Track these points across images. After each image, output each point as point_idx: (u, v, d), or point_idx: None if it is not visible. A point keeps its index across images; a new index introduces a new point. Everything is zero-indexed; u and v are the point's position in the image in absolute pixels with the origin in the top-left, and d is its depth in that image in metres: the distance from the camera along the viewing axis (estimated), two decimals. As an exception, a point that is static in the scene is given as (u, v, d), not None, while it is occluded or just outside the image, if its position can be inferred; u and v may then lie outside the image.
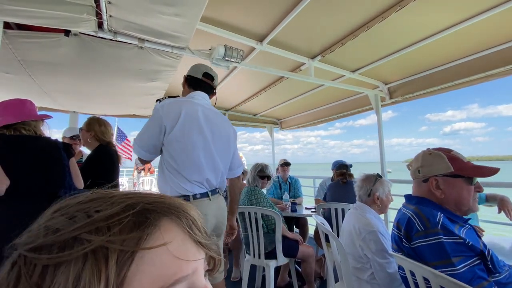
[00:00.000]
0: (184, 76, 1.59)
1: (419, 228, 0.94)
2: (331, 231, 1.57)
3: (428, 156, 1.12)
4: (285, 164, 3.68)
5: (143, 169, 8.98)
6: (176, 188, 1.33)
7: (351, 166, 3.23)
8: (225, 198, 1.58)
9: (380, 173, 3.22)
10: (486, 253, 0.89)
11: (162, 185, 1.38)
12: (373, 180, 1.65)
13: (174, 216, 0.30)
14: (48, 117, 1.55)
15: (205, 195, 1.38)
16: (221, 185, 1.50)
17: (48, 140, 1.52)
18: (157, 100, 1.45)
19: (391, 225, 2.99)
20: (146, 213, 0.28)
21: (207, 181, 1.39)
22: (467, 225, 1.01)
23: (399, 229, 1.06)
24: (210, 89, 1.62)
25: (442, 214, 0.95)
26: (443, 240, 0.88)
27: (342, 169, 2.93)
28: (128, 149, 9.44)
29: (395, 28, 2.17)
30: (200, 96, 1.53)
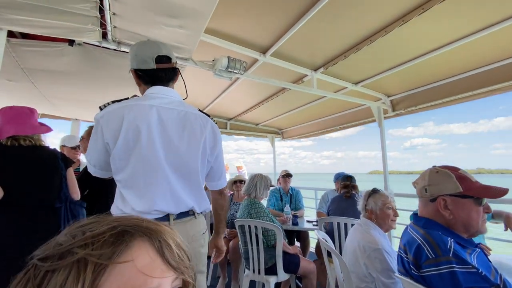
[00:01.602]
0: (131, 70, 1.17)
1: (429, 256, 0.90)
2: (334, 248, 1.52)
3: (435, 174, 1.08)
4: (287, 176, 3.64)
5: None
6: (119, 212, 1.03)
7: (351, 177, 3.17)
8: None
9: (384, 185, 3.18)
10: (499, 280, 0.85)
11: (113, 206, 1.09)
12: (367, 195, 1.64)
13: (147, 237, 0.35)
14: (49, 130, 1.54)
15: (162, 219, 1.04)
16: (195, 207, 1.13)
17: (46, 150, 1.50)
18: (100, 107, 1.09)
19: (394, 240, 2.94)
20: (124, 234, 0.34)
21: (157, 211, 1.04)
22: (477, 249, 0.96)
23: (406, 252, 1.01)
24: (173, 74, 1.19)
25: (452, 240, 0.91)
26: (456, 269, 0.83)
27: (345, 181, 2.90)
28: None
29: (398, 42, 2.18)
30: (158, 92, 1.13)
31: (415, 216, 1.11)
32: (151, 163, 1.04)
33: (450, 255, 0.86)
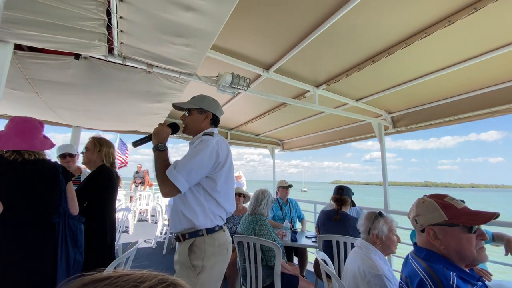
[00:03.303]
0: (209, 112, 1.60)
1: None
2: (334, 272, 1.50)
3: (422, 204, 1.08)
4: (289, 187, 3.66)
5: (142, 183, 8.88)
6: (214, 217, 1.40)
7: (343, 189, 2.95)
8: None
9: (384, 202, 3.15)
10: None
11: (197, 210, 1.36)
12: (373, 217, 1.61)
13: None
14: (53, 146, 1.54)
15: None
16: None
17: (48, 163, 1.49)
18: (206, 134, 1.50)
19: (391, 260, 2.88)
20: (176, 285, 0.37)
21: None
22: (479, 283, 0.95)
23: (408, 284, 1.00)
24: None
25: (455, 274, 0.90)
26: None
27: (336, 194, 2.67)
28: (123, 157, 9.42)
29: (401, 63, 2.20)
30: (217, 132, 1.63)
31: (415, 246, 1.10)
32: (233, 177, 1.54)
33: None
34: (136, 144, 1.56)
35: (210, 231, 1.37)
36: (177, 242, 1.44)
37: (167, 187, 1.31)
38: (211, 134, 1.50)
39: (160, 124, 1.55)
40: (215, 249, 1.36)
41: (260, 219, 2.25)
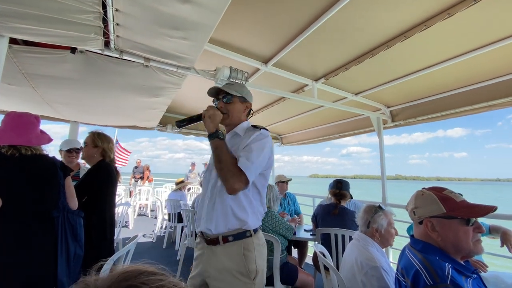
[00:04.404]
0: (248, 103, 1.49)
1: (427, 282, 0.90)
2: (332, 264, 1.52)
3: (421, 197, 1.10)
4: (289, 181, 3.69)
5: (141, 178, 8.90)
6: (260, 215, 1.32)
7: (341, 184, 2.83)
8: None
9: (382, 195, 3.17)
10: None
11: (247, 208, 1.25)
12: (373, 211, 1.61)
13: None
14: (50, 141, 1.54)
15: None
16: None
17: (46, 158, 1.49)
18: (260, 128, 1.39)
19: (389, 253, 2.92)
20: None
21: None
22: (473, 276, 0.96)
23: (404, 276, 1.01)
24: None
25: (450, 265, 0.91)
26: None
27: (334, 188, 2.67)
28: (124, 155, 9.42)
29: (400, 56, 2.19)
30: None
31: (412, 239, 1.12)
32: None
33: (448, 282, 0.87)
34: (180, 124, 1.41)
35: (255, 230, 1.28)
36: (208, 246, 1.25)
37: (239, 183, 1.17)
38: (263, 127, 1.41)
39: (210, 106, 1.34)
40: (261, 248, 1.28)
41: (269, 212, 2.27)
